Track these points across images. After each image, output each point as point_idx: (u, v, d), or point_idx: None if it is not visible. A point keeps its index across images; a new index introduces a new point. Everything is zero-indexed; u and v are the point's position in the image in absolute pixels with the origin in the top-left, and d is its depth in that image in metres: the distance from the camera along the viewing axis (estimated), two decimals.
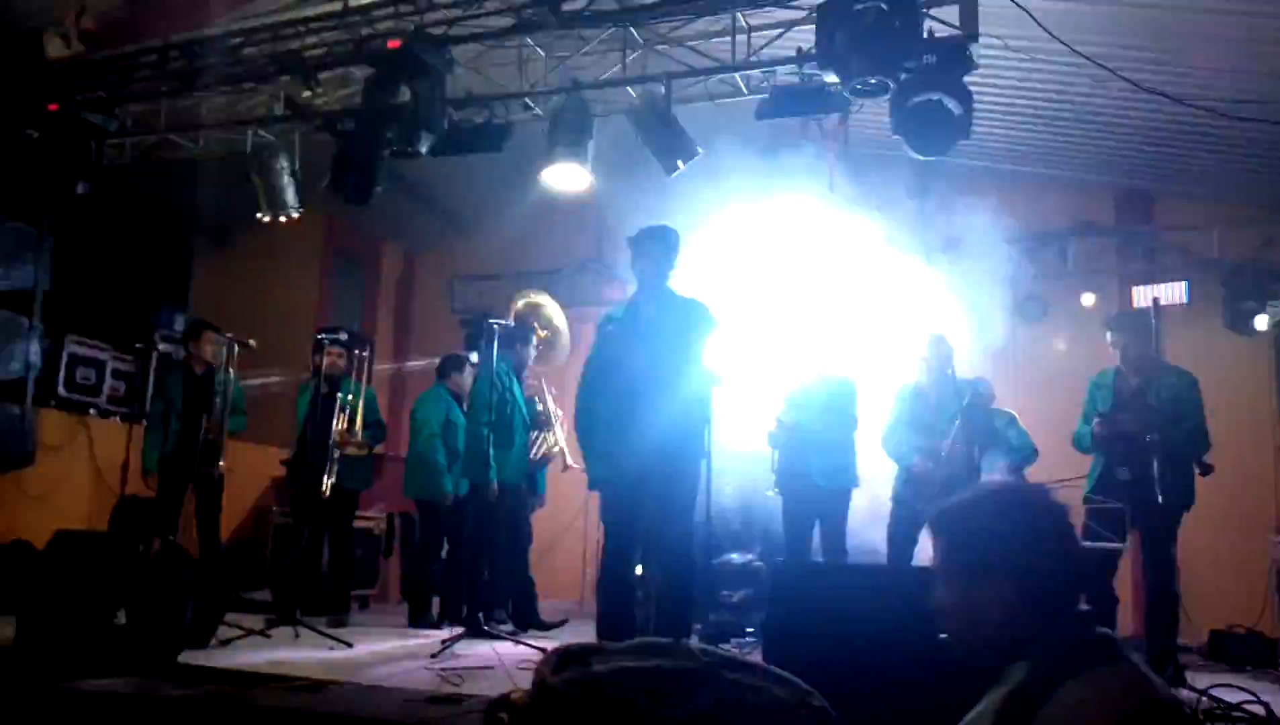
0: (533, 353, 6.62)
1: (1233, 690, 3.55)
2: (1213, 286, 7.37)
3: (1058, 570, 1.73)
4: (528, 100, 5.48)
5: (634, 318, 4.57)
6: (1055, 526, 1.77)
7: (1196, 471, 4.75)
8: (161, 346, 7.74)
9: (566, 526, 8.52)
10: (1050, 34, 4.49)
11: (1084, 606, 1.75)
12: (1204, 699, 3.41)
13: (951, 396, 5.48)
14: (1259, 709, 3.29)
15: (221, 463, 6.13)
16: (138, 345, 7.56)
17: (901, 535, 5.62)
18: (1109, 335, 5.06)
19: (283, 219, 6.37)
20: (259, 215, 6.37)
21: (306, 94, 5.78)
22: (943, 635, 1.82)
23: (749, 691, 2.54)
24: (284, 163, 6.27)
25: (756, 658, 3.45)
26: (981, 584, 1.75)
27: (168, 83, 6.09)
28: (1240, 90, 5.72)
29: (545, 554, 6.84)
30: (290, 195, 6.28)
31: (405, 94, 4.99)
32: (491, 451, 5.73)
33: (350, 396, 6.41)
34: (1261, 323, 6.83)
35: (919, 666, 3.05)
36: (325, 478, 6.12)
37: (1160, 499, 4.58)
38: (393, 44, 5.12)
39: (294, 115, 6.08)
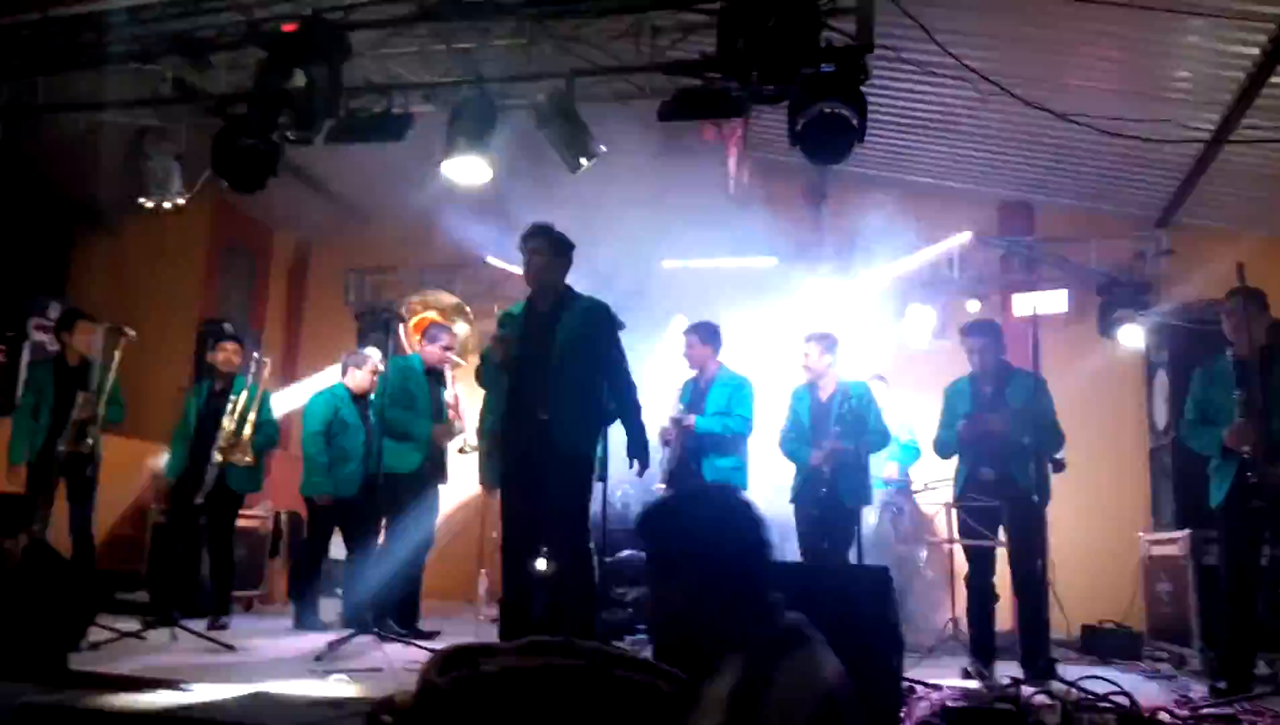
0: (438, 352, 6.48)
1: (1100, 682, 3.73)
2: (1089, 296, 7.72)
3: (740, 564, 1.87)
4: (428, 92, 5.39)
5: (530, 316, 4.54)
6: (736, 523, 1.91)
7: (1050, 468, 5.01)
8: (35, 336, 7.38)
9: (462, 525, 8.40)
10: (941, 47, 4.64)
11: (776, 594, 1.90)
12: (1073, 690, 3.58)
13: (841, 396, 5.61)
14: (1124, 699, 3.46)
15: (89, 441, 5.86)
16: (9, 334, 7.20)
17: (807, 536, 5.72)
18: (964, 341, 5.27)
19: (168, 205, 6.13)
20: (143, 201, 6.12)
21: (196, 76, 5.58)
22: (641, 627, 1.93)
23: (637, 688, 2.55)
24: (171, 146, 6.04)
25: (648, 655, 3.47)
26: (672, 579, 1.89)
27: (48, 59, 5.79)
28: (1115, 107, 6.01)
29: (438, 553, 6.73)
30: (176, 180, 6.06)
31: (299, 79, 4.85)
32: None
33: (244, 397, 6.21)
34: (1132, 333, 7.16)
35: None
36: (202, 488, 5.98)
37: (1036, 498, 4.81)
38: (288, 27, 4.99)
39: (183, 97, 5.85)
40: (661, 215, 7.51)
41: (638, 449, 4.51)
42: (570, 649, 2.69)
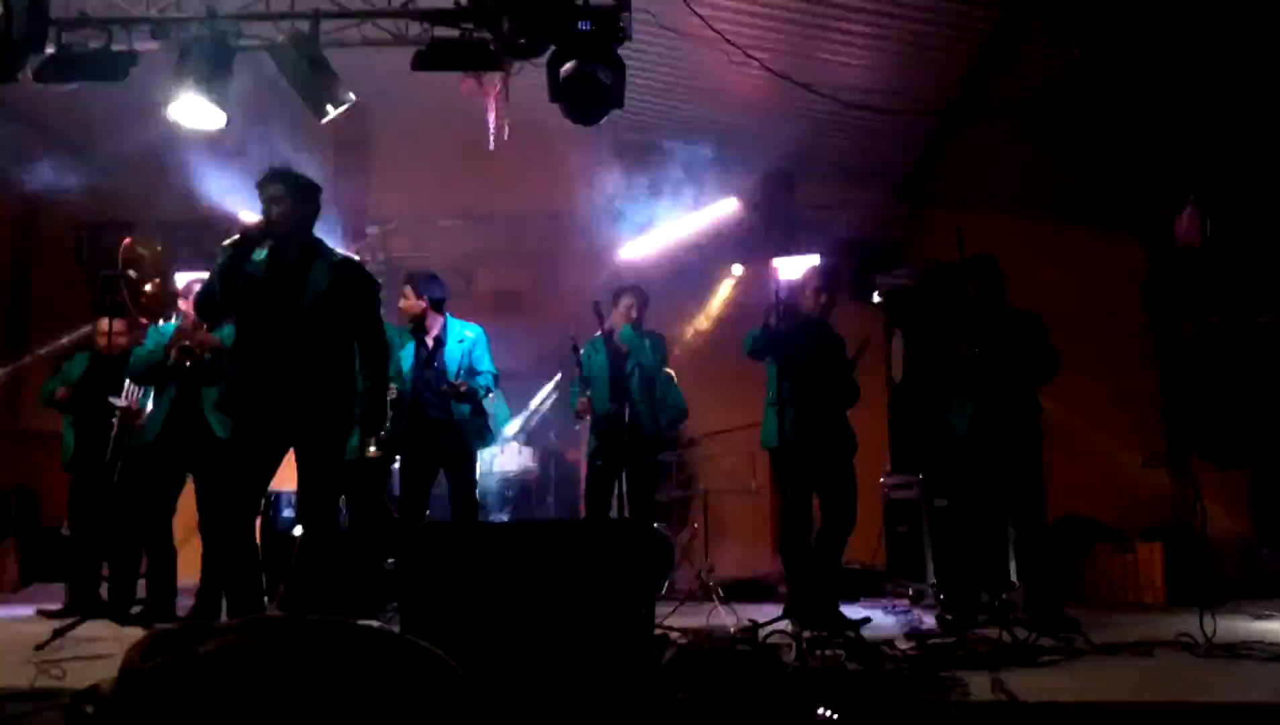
0: None
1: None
2: (842, 260, 8.16)
3: None
4: (155, 27, 4.92)
5: (275, 267, 4.13)
6: None
7: None
8: None
9: None
10: (691, 9, 4.70)
11: None
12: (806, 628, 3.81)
13: (637, 347, 5.64)
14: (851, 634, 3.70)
15: None
16: None
17: (598, 492, 5.68)
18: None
19: None
20: None
21: None
22: None
23: (369, 661, 2.46)
24: None
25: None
26: None
27: None
28: (865, 82, 6.32)
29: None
30: None
31: None
32: None
33: None
34: (876, 298, 7.65)
35: (553, 621, 3.14)
36: None
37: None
38: None
39: None
40: (429, 168, 7.29)
41: (370, 419, 4.26)
42: (297, 625, 2.56)
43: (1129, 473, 7.39)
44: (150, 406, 5.45)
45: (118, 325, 5.99)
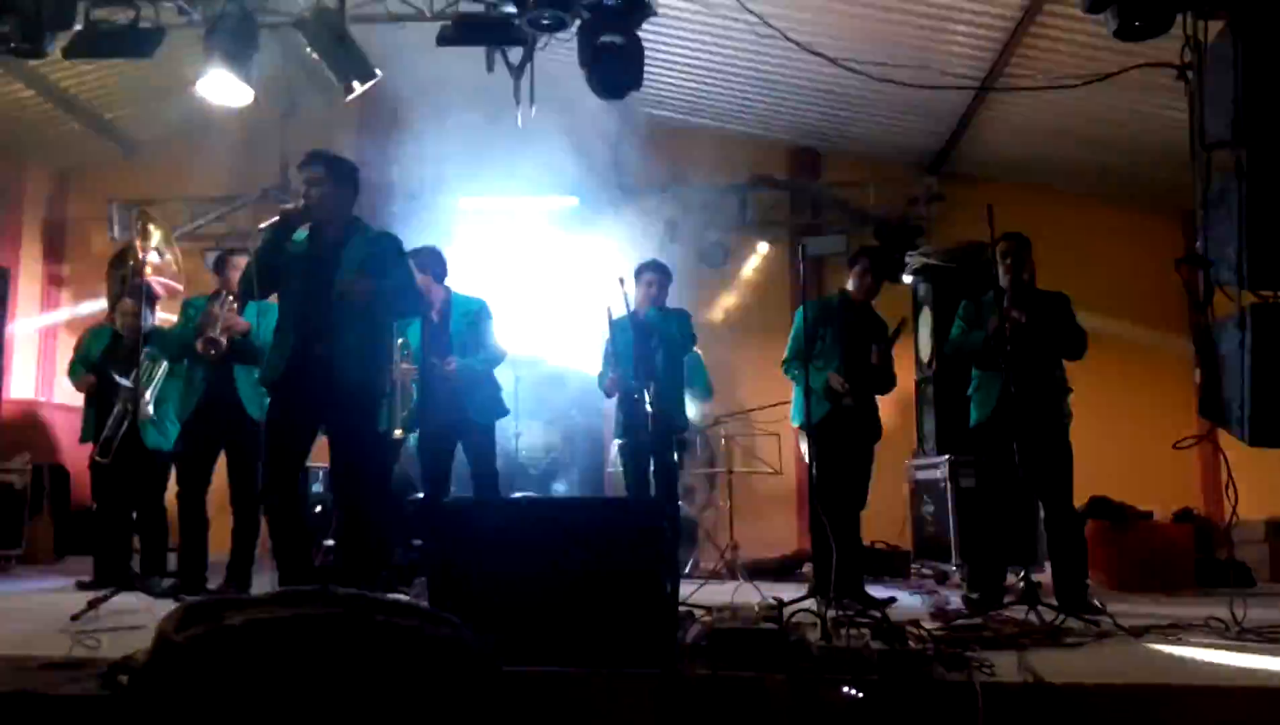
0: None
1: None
2: (868, 238, 8.11)
3: None
4: (183, 3, 4.94)
5: (315, 244, 4.19)
6: None
7: None
8: None
9: None
10: None
11: None
12: (832, 609, 3.78)
13: (661, 326, 5.52)
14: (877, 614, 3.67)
15: None
16: None
17: (633, 469, 5.61)
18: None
19: None
20: None
21: None
22: None
23: (399, 634, 2.48)
24: None
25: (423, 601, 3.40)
26: None
27: None
28: (890, 57, 6.23)
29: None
30: None
31: None
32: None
33: None
34: (905, 277, 7.57)
35: (578, 597, 3.14)
36: None
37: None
38: None
39: None
40: (452, 148, 7.26)
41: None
42: (326, 597, 2.58)
43: (1160, 453, 7.30)
44: (150, 392, 5.49)
45: (134, 306, 6.02)
